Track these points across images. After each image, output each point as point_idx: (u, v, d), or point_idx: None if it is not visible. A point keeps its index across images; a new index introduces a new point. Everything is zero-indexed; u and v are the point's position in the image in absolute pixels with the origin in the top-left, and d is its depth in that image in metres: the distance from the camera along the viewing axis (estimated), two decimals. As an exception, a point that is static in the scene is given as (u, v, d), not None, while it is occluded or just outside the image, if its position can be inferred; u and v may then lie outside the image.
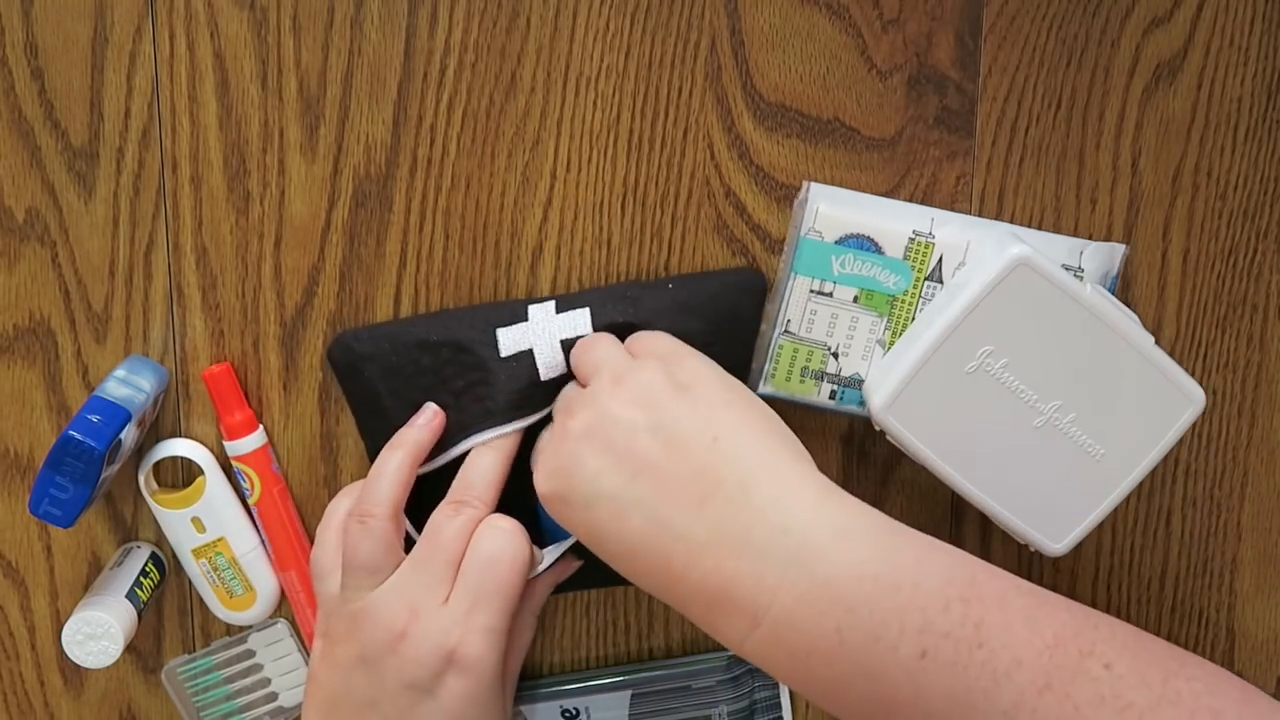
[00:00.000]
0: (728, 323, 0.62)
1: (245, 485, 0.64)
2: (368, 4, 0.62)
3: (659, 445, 0.54)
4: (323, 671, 0.59)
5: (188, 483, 0.65)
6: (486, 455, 0.61)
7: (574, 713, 0.67)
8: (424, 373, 0.62)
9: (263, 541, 0.66)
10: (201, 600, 0.67)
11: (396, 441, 0.61)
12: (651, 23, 0.63)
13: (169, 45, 0.62)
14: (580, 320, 0.61)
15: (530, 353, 0.61)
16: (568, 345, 0.61)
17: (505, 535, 0.58)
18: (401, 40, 0.62)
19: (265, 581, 0.66)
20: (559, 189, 0.64)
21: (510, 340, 0.61)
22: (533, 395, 0.61)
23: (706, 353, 0.61)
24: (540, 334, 0.61)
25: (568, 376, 0.61)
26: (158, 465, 0.65)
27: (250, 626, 0.67)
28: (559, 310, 0.62)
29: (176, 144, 0.63)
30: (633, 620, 0.68)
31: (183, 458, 0.65)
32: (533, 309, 0.62)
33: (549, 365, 0.61)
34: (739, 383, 0.57)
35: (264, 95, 0.62)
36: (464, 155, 0.63)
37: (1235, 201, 0.65)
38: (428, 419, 0.61)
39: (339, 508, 0.61)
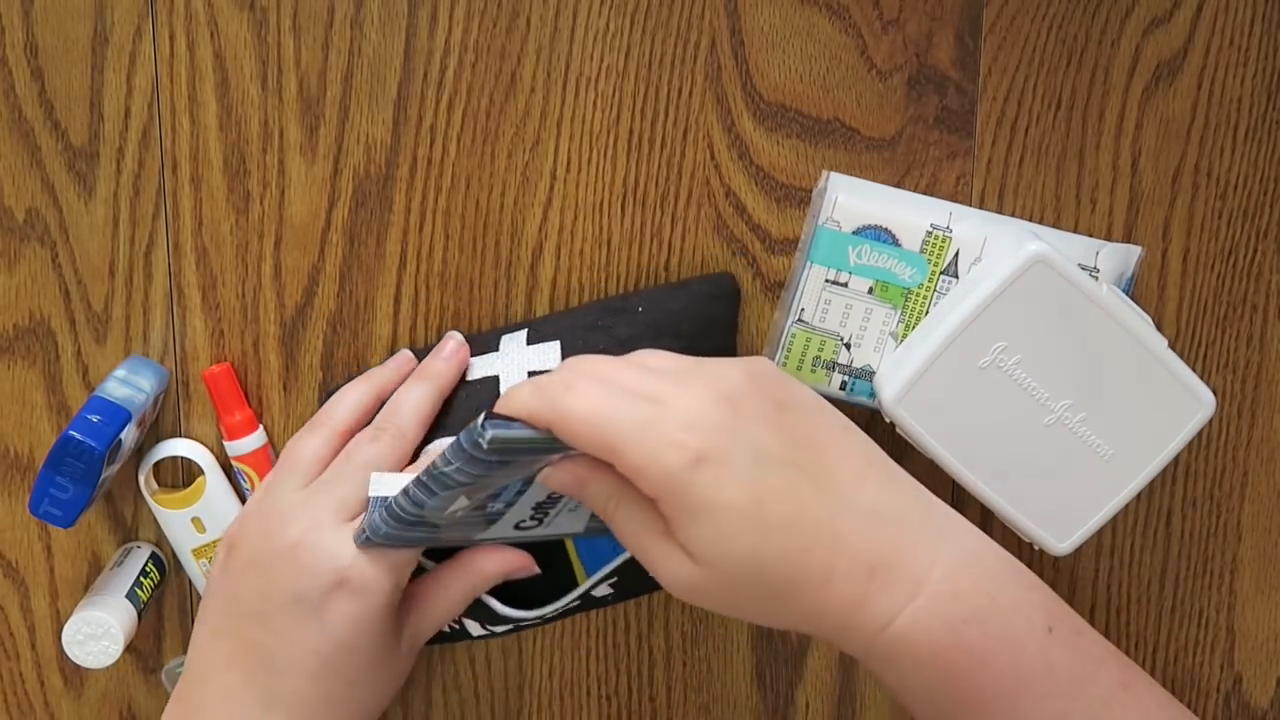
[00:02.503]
0: (704, 336, 0.62)
1: (245, 485, 0.64)
2: (368, 4, 0.62)
3: (806, 424, 0.52)
4: (218, 578, 0.58)
5: (188, 483, 0.65)
6: (417, 388, 0.60)
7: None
8: None
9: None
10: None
11: (421, 372, 0.61)
12: (651, 23, 0.63)
13: (169, 45, 0.62)
14: (550, 353, 0.61)
15: (495, 379, 0.61)
16: (535, 376, 0.59)
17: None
18: (401, 40, 0.62)
19: None
20: (559, 189, 0.64)
21: (478, 368, 0.62)
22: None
23: None
24: (509, 363, 0.61)
25: None
26: (158, 465, 0.65)
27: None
28: (530, 341, 0.62)
29: (176, 144, 0.63)
30: (633, 620, 0.68)
31: (183, 458, 0.65)
32: (505, 339, 0.62)
33: None
34: None
35: (264, 95, 0.62)
36: (464, 155, 0.63)
37: (1235, 201, 0.65)
38: (452, 350, 0.61)
39: (336, 413, 0.60)
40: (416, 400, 0.60)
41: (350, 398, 0.61)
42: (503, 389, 0.60)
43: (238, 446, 0.64)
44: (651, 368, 0.52)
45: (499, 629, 0.62)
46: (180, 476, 0.66)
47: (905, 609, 0.50)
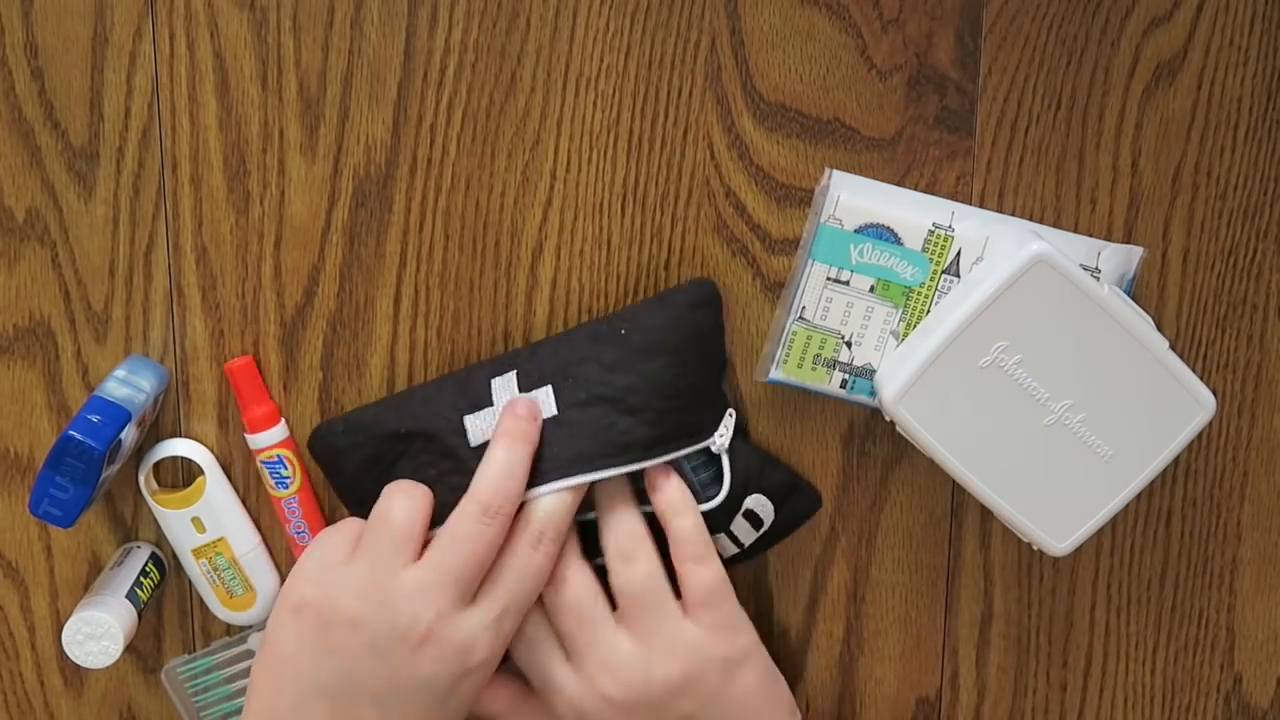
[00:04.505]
0: (692, 346, 0.62)
1: (286, 473, 0.64)
2: (368, 4, 0.62)
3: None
4: (309, 656, 0.56)
5: (188, 483, 0.65)
6: (513, 452, 0.59)
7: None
8: (401, 458, 0.62)
9: (264, 541, 0.66)
10: (201, 600, 0.67)
11: (512, 434, 0.59)
12: (651, 23, 0.63)
13: (169, 45, 0.62)
14: (545, 402, 0.61)
15: None
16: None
17: (539, 552, 0.59)
18: (401, 40, 0.62)
19: (265, 581, 0.66)
20: (559, 189, 0.64)
21: (478, 429, 0.61)
22: None
23: (678, 383, 0.61)
24: None
25: (535, 462, 0.60)
26: (158, 465, 0.65)
27: (250, 626, 0.67)
28: (522, 386, 0.61)
29: (176, 144, 0.63)
30: (633, 620, 0.68)
31: (183, 458, 0.65)
32: (495, 386, 0.62)
33: None
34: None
35: (264, 95, 0.62)
36: (464, 155, 0.63)
37: (1235, 201, 0.65)
38: (527, 410, 0.60)
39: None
40: (516, 471, 0.59)
41: (516, 467, 0.59)
42: None
43: (260, 440, 0.64)
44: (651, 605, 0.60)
45: None
46: (180, 477, 0.66)
47: None
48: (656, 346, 0.61)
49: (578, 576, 0.60)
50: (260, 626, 0.67)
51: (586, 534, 0.63)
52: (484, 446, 0.60)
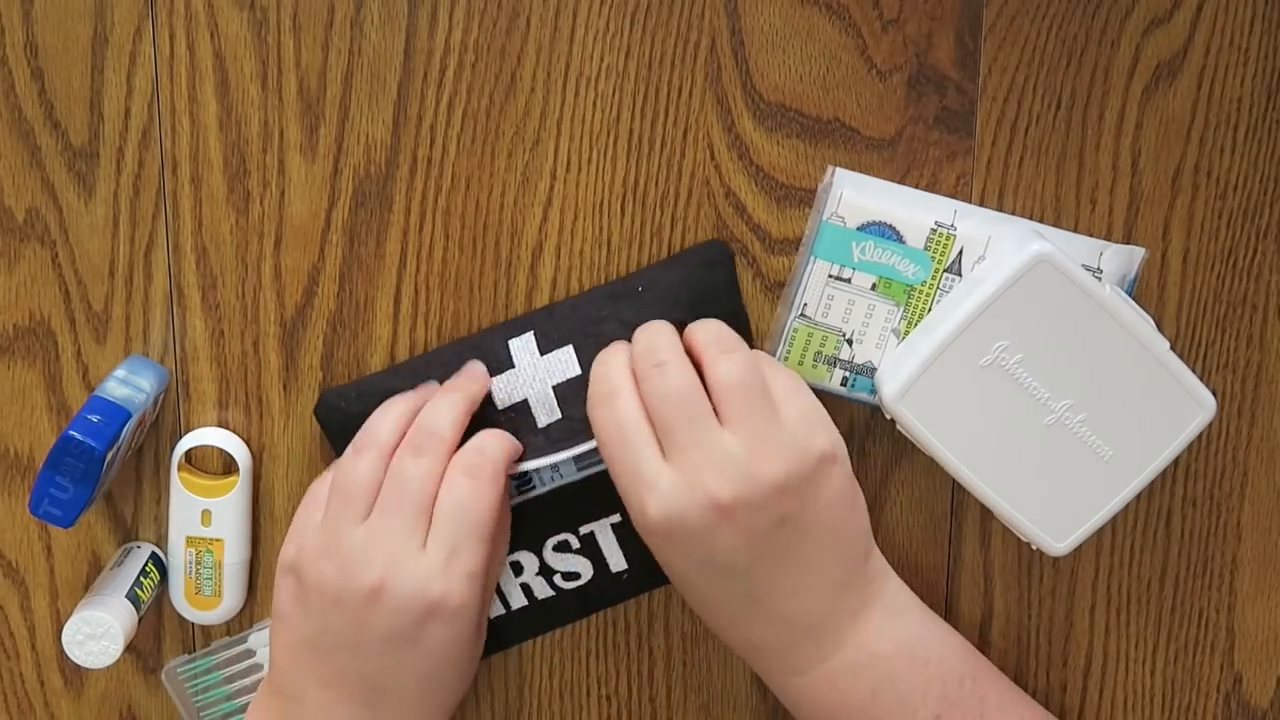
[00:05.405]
0: (709, 303, 0.62)
1: None
2: (368, 4, 0.62)
3: (785, 543, 0.57)
4: (292, 606, 0.58)
5: (213, 473, 0.65)
6: (447, 398, 0.60)
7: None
8: None
9: (251, 559, 0.66)
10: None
11: (449, 388, 0.61)
12: (651, 23, 0.63)
13: (169, 45, 0.62)
14: (568, 361, 0.62)
15: (526, 403, 0.62)
16: (559, 390, 0.62)
17: (478, 480, 0.58)
18: (401, 40, 0.62)
19: (235, 594, 0.66)
20: (559, 189, 0.64)
21: (504, 391, 0.62)
22: (533, 443, 0.62)
23: None
24: (531, 382, 0.62)
25: (565, 421, 0.62)
26: (191, 451, 0.65)
27: (254, 626, 0.67)
28: (542, 348, 0.62)
29: (176, 144, 0.63)
30: (633, 620, 0.68)
31: (217, 448, 0.65)
32: (514, 347, 0.62)
33: (545, 411, 0.62)
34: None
35: (264, 95, 0.62)
36: (464, 155, 0.63)
37: (1235, 201, 0.65)
38: (480, 371, 0.62)
39: (381, 434, 0.59)
40: (450, 407, 0.60)
41: (391, 413, 0.60)
42: (534, 410, 0.62)
43: None
44: (737, 404, 0.56)
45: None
46: (207, 465, 0.66)
47: (811, 669, 0.59)
48: (674, 303, 0.62)
49: (680, 368, 0.57)
50: (261, 626, 0.67)
51: (557, 508, 0.64)
52: (511, 409, 0.62)
